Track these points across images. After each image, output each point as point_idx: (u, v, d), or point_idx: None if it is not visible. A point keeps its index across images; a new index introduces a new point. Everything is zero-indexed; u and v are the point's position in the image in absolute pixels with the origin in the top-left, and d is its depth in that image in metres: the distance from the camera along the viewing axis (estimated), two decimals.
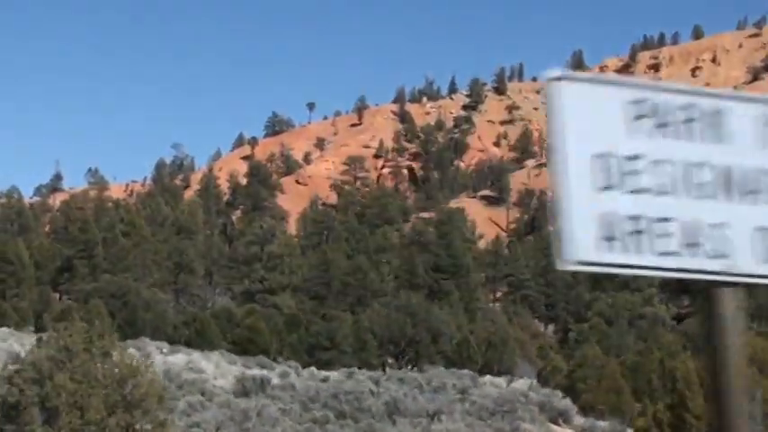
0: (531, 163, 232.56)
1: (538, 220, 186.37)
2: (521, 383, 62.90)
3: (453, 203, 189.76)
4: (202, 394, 37.45)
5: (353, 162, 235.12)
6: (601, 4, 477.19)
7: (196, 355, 55.96)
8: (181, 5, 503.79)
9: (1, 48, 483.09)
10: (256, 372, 44.67)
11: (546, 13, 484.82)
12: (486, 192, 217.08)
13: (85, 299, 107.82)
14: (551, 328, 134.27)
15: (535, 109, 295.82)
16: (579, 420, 40.67)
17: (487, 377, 60.24)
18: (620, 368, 48.27)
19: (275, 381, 42.69)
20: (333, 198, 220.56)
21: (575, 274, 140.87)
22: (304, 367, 59.77)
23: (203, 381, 41.83)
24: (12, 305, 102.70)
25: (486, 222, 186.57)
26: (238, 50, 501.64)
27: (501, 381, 61.56)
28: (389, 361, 72.63)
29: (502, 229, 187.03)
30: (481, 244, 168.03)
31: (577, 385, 50.27)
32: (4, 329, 76.11)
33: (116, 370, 22.20)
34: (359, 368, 61.35)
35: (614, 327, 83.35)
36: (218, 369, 50.08)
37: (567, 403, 41.46)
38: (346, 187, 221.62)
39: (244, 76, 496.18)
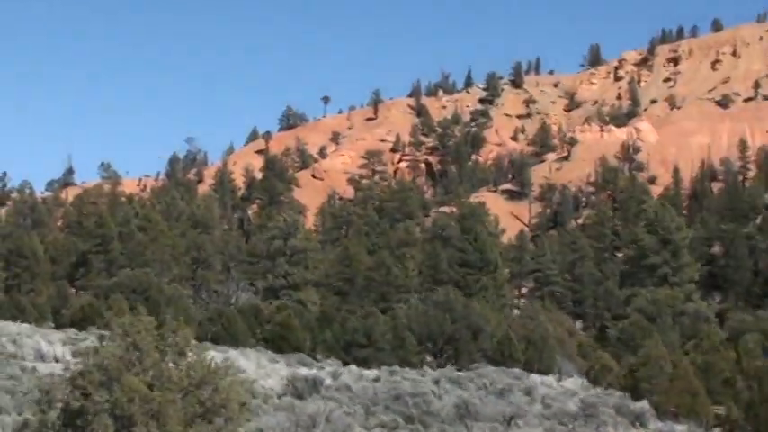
0: (551, 157, 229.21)
1: (561, 214, 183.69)
2: (570, 383, 60.15)
3: (474, 197, 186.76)
4: (253, 396, 34.61)
5: (372, 156, 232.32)
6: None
7: (233, 353, 53.18)
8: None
9: (13, 42, 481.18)
10: (306, 371, 41.80)
11: (563, 6, 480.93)
12: (507, 186, 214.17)
13: (105, 294, 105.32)
14: (578, 324, 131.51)
15: (552, 103, 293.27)
16: (657, 424, 37.76)
17: (535, 376, 57.47)
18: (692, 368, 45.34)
19: (328, 381, 39.89)
20: (349, 192, 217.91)
21: (602, 269, 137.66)
22: (344, 365, 57.19)
23: (249, 381, 38.82)
24: (30, 300, 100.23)
25: (507, 217, 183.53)
26: (251, 44, 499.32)
27: (550, 379, 58.86)
28: (428, 359, 69.86)
29: (524, 224, 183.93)
30: (503, 239, 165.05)
31: (641, 385, 47.41)
32: (25, 326, 73.63)
33: (192, 372, 19.43)
34: (400, 366, 58.66)
35: (657, 323, 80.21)
36: (260, 368, 47.34)
37: (642, 406, 38.56)
38: (363, 181, 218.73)
39: (257, 71, 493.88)
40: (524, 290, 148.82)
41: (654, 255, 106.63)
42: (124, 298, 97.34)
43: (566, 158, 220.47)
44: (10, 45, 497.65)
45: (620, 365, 62.18)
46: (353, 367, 56.53)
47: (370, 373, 52.72)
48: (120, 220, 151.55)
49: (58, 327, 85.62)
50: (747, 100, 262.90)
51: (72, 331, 75.22)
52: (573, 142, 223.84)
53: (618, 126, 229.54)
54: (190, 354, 19.73)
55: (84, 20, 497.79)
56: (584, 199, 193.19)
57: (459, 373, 52.61)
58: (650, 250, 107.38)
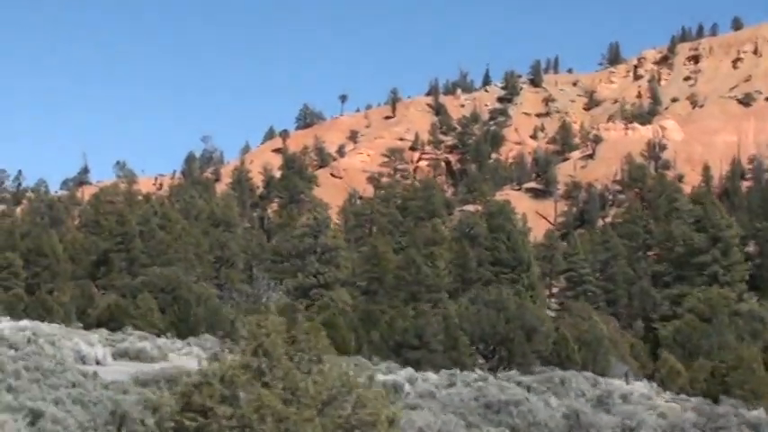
0: (575, 155, 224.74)
1: (587, 213, 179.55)
2: (639, 386, 56.44)
3: (498, 196, 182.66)
4: None
5: (393, 153, 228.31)
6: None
7: None
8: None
9: (28, 40, 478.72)
10: (382, 376, 37.83)
11: (581, 4, 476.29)
12: (531, 184, 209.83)
13: (132, 293, 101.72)
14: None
15: (572, 101, 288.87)
16: None
17: (609, 380, 53.59)
18: None
19: (406, 387, 36.00)
20: (369, 191, 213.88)
21: (635, 268, 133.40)
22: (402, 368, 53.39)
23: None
24: (55, 300, 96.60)
25: (532, 215, 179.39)
26: (265, 42, 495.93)
27: (619, 383, 55.03)
28: (480, 361, 66.03)
29: (550, 223, 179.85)
30: (530, 237, 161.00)
31: (734, 391, 43.55)
32: (55, 326, 70.08)
33: (329, 382, 15.63)
34: (461, 370, 54.92)
35: (713, 324, 76.20)
36: None
37: (757, 415, 34.64)
38: (384, 179, 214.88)
39: (272, 69, 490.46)
40: (555, 289, 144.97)
41: (703, 253, 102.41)
42: (152, 297, 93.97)
43: (590, 156, 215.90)
44: (24, 44, 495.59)
45: (691, 369, 58.41)
46: (410, 370, 52.81)
47: (433, 376, 49.02)
48: (140, 219, 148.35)
49: (86, 327, 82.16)
50: None
51: (104, 332, 71.73)
52: (597, 140, 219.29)
53: (642, 124, 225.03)
54: (326, 362, 15.93)
55: (99, 19, 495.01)
56: (610, 197, 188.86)
57: (530, 376, 48.77)
58: (699, 249, 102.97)
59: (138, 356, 53.26)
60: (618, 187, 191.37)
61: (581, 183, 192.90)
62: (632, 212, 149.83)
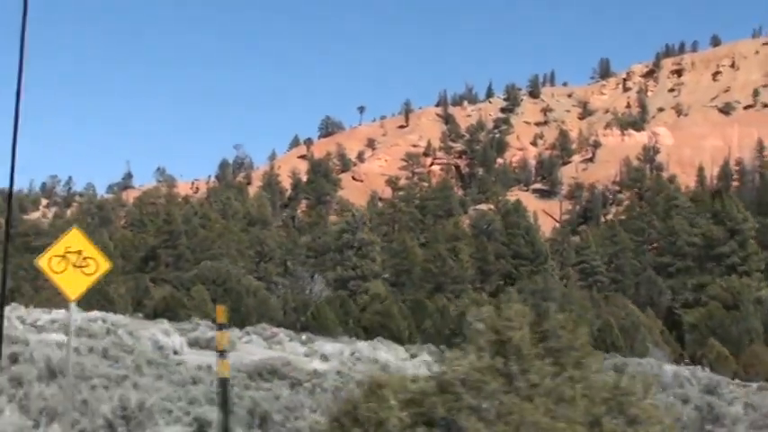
0: (576, 159, 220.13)
1: (590, 211, 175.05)
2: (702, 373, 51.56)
3: (508, 196, 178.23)
4: None
5: (411, 158, 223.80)
6: (625, 15, 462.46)
7: (361, 345, 44.62)
8: (236, 19, 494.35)
9: (74, 55, 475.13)
10: None
11: (575, 23, 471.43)
12: (537, 185, 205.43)
13: (184, 285, 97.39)
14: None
15: (567, 111, 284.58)
16: None
17: (668, 367, 48.70)
18: None
19: None
20: (387, 192, 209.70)
21: (641, 259, 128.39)
22: None
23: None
24: (114, 292, 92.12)
25: (539, 213, 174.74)
26: (291, 59, 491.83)
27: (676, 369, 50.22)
28: None
29: (555, 220, 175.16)
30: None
31: None
32: (120, 316, 65.56)
33: (599, 393, 10.92)
34: None
35: (740, 311, 71.46)
36: (404, 360, 38.68)
37: None
38: (401, 182, 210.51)
39: (296, 83, 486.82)
40: (564, 281, 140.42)
41: (721, 245, 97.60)
42: (205, 289, 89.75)
43: (590, 160, 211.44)
44: (70, 58, 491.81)
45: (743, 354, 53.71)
46: None
47: None
48: (182, 219, 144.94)
49: (145, 318, 77.90)
50: (747, 107, 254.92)
51: (165, 322, 67.28)
52: (597, 145, 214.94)
53: (637, 130, 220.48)
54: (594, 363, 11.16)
55: (138, 40, 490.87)
56: (611, 197, 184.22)
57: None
58: (718, 241, 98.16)
59: (209, 346, 48.67)
60: (617, 188, 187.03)
61: (583, 184, 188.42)
62: (635, 209, 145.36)
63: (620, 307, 74.88)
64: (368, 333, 60.82)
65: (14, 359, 19.39)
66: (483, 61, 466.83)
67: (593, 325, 62.52)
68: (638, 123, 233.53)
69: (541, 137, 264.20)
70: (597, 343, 61.96)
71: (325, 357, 36.54)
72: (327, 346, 42.13)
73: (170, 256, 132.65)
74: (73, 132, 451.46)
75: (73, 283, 13.39)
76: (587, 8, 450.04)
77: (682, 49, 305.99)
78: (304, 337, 55.20)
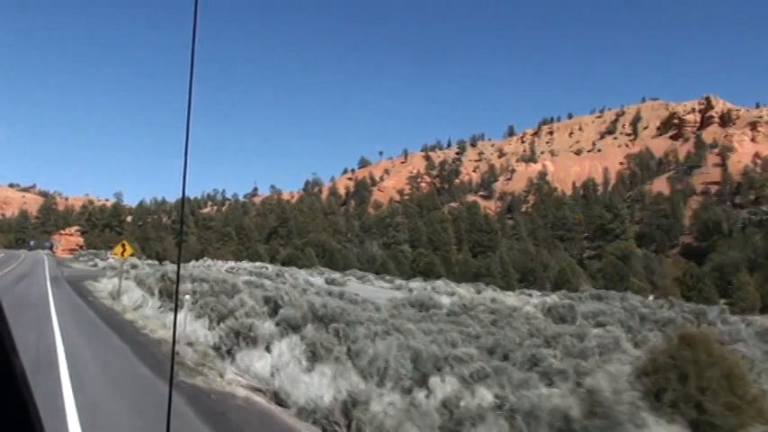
0: (502, 179, 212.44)
1: (512, 207, 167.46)
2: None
3: (468, 198, 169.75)
4: None
5: (413, 179, 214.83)
6: (524, 98, 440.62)
7: (439, 283, 36.74)
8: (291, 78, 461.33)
9: (211, 91, 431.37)
10: (555, 299, 25.41)
11: (498, 103, 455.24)
12: (481, 193, 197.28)
13: (299, 248, 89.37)
14: None
15: (492, 154, 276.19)
16: None
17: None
18: None
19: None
20: (397, 197, 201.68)
21: (545, 232, 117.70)
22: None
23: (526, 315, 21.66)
24: (255, 252, 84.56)
25: (483, 208, 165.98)
26: (340, 119, 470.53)
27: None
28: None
29: (493, 213, 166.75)
30: None
31: None
32: (260, 263, 57.44)
33: None
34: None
35: (629, 264, 63.64)
36: (477, 294, 30.73)
37: None
38: (406, 192, 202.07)
39: (344, 135, 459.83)
40: None
41: (609, 223, 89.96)
42: (312, 250, 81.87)
43: (509, 179, 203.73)
44: (207, 94, 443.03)
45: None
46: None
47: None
48: (289, 210, 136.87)
49: (282, 265, 69.75)
50: (589, 151, 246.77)
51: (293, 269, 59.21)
52: (514, 171, 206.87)
53: (534, 163, 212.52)
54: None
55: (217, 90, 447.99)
56: (523, 198, 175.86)
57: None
58: (607, 220, 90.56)
59: (339, 284, 41.08)
60: (526, 193, 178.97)
61: (507, 192, 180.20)
62: (538, 205, 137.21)
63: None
64: (422, 275, 53.33)
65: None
66: (447, 126, 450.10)
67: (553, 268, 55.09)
68: (532, 159, 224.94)
69: (478, 168, 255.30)
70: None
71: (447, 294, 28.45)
72: (411, 283, 34.34)
73: (283, 233, 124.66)
74: (222, 161, 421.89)
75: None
76: (504, 95, 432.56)
77: (552, 120, 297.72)
78: (387, 276, 47.67)
